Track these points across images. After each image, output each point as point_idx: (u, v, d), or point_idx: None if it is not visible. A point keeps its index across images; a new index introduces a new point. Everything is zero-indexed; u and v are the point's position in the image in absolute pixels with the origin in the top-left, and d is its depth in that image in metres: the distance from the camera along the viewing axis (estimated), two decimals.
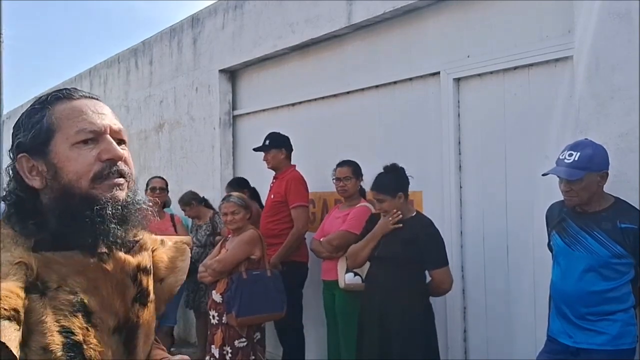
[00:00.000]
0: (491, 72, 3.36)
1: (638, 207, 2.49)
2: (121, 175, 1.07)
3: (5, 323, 0.89)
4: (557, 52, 3.00)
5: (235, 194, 3.98)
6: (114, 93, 7.88)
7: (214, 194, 5.47)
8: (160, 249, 1.25)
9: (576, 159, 2.43)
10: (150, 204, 1.16)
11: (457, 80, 3.54)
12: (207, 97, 5.73)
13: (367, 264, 3.37)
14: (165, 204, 5.09)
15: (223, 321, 3.59)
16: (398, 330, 3.06)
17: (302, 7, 4.50)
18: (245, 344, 3.57)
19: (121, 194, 1.06)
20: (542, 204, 2.83)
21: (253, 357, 3.59)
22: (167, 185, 4.92)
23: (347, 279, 3.48)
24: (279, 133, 4.36)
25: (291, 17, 4.62)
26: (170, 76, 6.41)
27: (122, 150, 1.07)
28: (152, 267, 1.18)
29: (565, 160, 2.46)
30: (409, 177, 3.25)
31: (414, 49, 3.84)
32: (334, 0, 4.19)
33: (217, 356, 3.58)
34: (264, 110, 5.26)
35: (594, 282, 2.42)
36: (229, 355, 3.55)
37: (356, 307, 3.39)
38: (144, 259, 1.15)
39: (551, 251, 2.69)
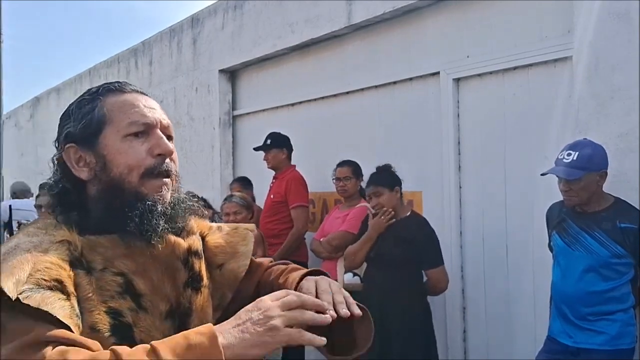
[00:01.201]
0: (491, 72, 3.36)
1: (638, 208, 2.49)
2: (168, 172, 1.06)
3: (48, 293, 0.85)
4: (557, 52, 3.00)
5: (237, 194, 3.98)
6: None
7: (213, 194, 5.47)
8: (216, 233, 1.22)
9: (575, 158, 2.42)
10: (195, 199, 1.15)
11: (457, 80, 3.54)
12: (207, 97, 5.73)
13: (365, 265, 3.38)
14: None
15: None
16: (396, 331, 3.06)
17: (301, 7, 4.50)
18: None
19: (168, 195, 1.05)
20: (542, 204, 2.83)
21: None
22: None
23: (346, 279, 3.48)
24: (279, 133, 4.36)
25: (291, 17, 4.62)
26: (170, 76, 6.41)
27: (172, 146, 1.08)
28: (203, 251, 1.15)
29: (564, 160, 2.45)
30: (401, 180, 3.30)
31: (413, 49, 3.84)
32: (333, 0, 4.19)
33: None
34: (263, 110, 5.26)
35: (594, 282, 2.42)
36: None
37: None
38: (194, 242, 1.12)
39: (552, 251, 2.69)
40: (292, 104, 4.91)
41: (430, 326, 3.17)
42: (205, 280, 1.12)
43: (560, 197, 2.59)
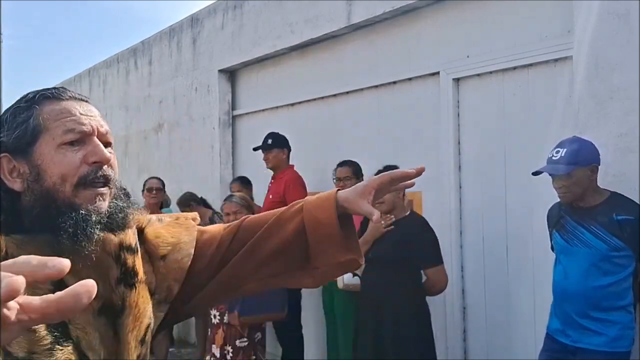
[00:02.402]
0: (491, 72, 3.36)
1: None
2: (106, 179, 1.03)
3: None
4: (557, 52, 3.01)
5: (237, 194, 3.98)
6: (114, 93, 7.87)
7: (213, 194, 5.47)
8: (155, 225, 1.19)
9: (563, 155, 2.47)
10: (137, 204, 1.13)
11: (457, 80, 3.54)
12: (207, 97, 5.73)
13: (363, 265, 3.38)
14: (163, 204, 5.09)
15: (224, 321, 3.59)
16: (394, 331, 3.07)
17: (301, 7, 4.50)
18: (246, 343, 3.57)
19: (104, 205, 1.03)
20: (542, 203, 2.83)
21: (254, 357, 3.59)
22: (163, 185, 4.93)
23: (345, 279, 3.48)
24: (278, 133, 4.36)
25: (290, 17, 4.62)
26: (169, 76, 6.41)
27: (108, 154, 1.05)
28: (142, 243, 1.13)
29: (553, 158, 2.50)
30: None
31: (413, 49, 3.84)
32: (333, 0, 4.20)
33: (218, 356, 3.58)
34: (263, 110, 5.26)
35: (595, 277, 2.43)
36: (230, 354, 3.55)
37: (354, 308, 3.40)
38: (128, 236, 1.09)
39: (554, 252, 2.69)
40: (292, 104, 4.91)
41: (429, 326, 3.17)
42: (141, 275, 1.09)
43: None
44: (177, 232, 1.20)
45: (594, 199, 2.49)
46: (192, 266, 1.17)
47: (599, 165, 2.50)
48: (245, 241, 1.19)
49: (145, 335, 1.09)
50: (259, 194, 4.79)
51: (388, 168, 3.29)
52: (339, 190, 1.18)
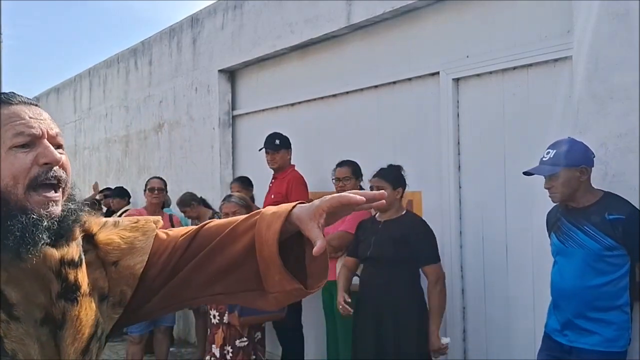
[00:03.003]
0: (490, 72, 3.36)
1: (637, 207, 2.49)
2: (58, 180, 1.04)
3: None
4: (556, 52, 3.01)
5: (236, 194, 3.98)
6: (114, 93, 7.88)
7: (213, 194, 5.48)
8: (109, 229, 1.18)
9: (552, 156, 2.52)
10: (88, 207, 1.12)
11: (457, 80, 3.54)
12: (207, 97, 5.73)
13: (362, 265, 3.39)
14: (164, 204, 5.09)
15: (224, 321, 3.59)
16: (392, 330, 3.08)
17: (301, 7, 4.51)
18: (246, 343, 3.58)
19: (56, 210, 1.03)
20: (542, 204, 2.83)
21: (254, 357, 3.60)
22: (165, 185, 4.92)
23: None
24: (282, 133, 4.35)
25: (290, 17, 4.62)
26: (169, 76, 6.41)
27: (59, 155, 1.05)
28: (82, 256, 1.11)
29: (543, 159, 2.55)
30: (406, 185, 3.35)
31: (413, 49, 3.84)
32: (333, 0, 4.20)
33: (218, 355, 3.59)
34: (263, 110, 5.26)
35: (590, 277, 2.44)
36: (230, 354, 3.55)
37: (354, 307, 3.40)
38: (71, 250, 1.08)
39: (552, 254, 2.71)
40: (292, 104, 4.91)
41: (427, 326, 3.18)
42: (85, 288, 1.09)
43: None
44: (132, 237, 1.18)
45: (587, 200, 2.51)
46: (146, 272, 1.16)
47: (591, 166, 2.52)
48: (198, 252, 1.16)
49: (89, 344, 1.08)
50: (260, 194, 4.79)
51: (391, 167, 3.31)
52: (298, 204, 1.11)
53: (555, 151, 2.52)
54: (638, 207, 2.48)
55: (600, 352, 2.40)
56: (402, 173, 3.33)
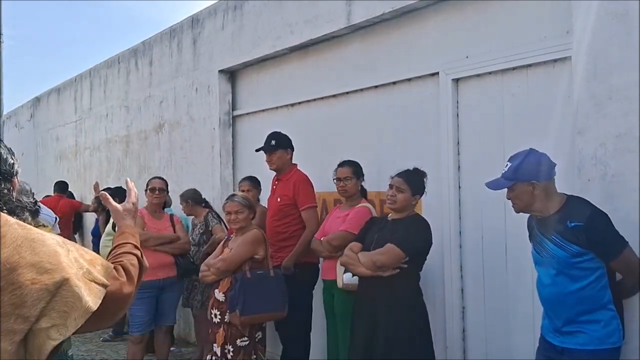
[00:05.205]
0: (490, 73, 3.37)
1: (637, 209, 2.50)
2: None
3: None
4: (556, 53, 3.01)
5: (239, 193, 3.99)
6: (114, 93, 7.89)
7: (213, 194, 5.49)
8: None
9: (506, 169, 2.57)
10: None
11: (456, 80, 3.55)
12: (207, 97, 5.74)
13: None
14: (165, 204, 5.10)
15: (225, 320, 3.60)
16: (391, 330, 3.09)
17: (301, 7, 4.51)
18: (247, 342, 3.59)
19: None
20: None
21: (254, 356, 3.61)
22: (167, 185, 4.93)
23: (345, 278, 3.49)
24: (280, 132, 4.28)
25: (290, 18, 4.63)
26: (170, 76, 6.42)
27: None
28: None
29: (502, 171, 2.59)
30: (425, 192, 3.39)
31: (412, 50, 3.85)
32: (333, 0, 4.20)
33: (219, 355, 3.60)
34: (263, 110, 5.27)
35: (565, 285, 2.45)
36: (231, 353, 3.56)
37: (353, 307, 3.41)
38: None
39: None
40: (292, 104, 4.91)
41: (425, 326, 3.19)
42: None
43: None
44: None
45: (551, 207, 2.52)
46: None
47: (542, 181, 2.49)
48: None
49: None
50: (261, 195, 4.80)
51: (416, 172, 3.31)
52: None
53: (510, 164, 2.55)
54: (602, 209, 2.45)
55: (590, 350, 2.40)
56: (425, 180, 3.33)
